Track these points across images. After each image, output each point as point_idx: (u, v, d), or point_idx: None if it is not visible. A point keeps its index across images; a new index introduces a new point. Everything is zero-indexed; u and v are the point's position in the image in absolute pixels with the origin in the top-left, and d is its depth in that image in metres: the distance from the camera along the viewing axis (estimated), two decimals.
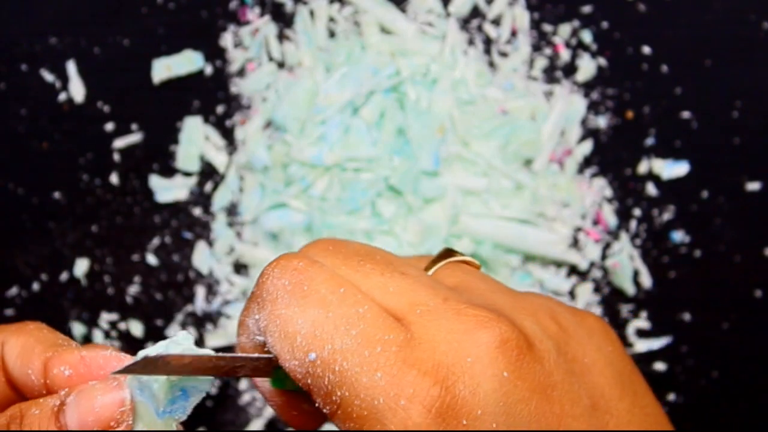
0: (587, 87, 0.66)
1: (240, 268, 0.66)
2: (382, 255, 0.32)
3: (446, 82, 0.64)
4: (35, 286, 0.66)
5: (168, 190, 0.66)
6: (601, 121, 0.65)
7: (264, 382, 0.32)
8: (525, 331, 0.28)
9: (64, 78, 0.67)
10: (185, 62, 0.66)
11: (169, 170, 0.66)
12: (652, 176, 0.65)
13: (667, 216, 0.65)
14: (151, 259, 0.66)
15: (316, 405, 0.28)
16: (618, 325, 0.65)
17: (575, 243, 0.65)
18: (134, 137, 0.66)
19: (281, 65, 0.67)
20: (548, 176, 0.64)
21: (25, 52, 0.67)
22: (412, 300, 0.29)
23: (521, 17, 0.66)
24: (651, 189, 0.65)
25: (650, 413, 0.31)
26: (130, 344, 0.66)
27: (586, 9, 0.66)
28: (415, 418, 0.26)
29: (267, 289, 0.29)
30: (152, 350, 0.30)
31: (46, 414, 0.29)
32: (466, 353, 0.27)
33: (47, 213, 0.66)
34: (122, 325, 0.66)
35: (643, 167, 0.65)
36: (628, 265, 0.64)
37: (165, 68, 0.66)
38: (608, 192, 0.65)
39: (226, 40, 0.67)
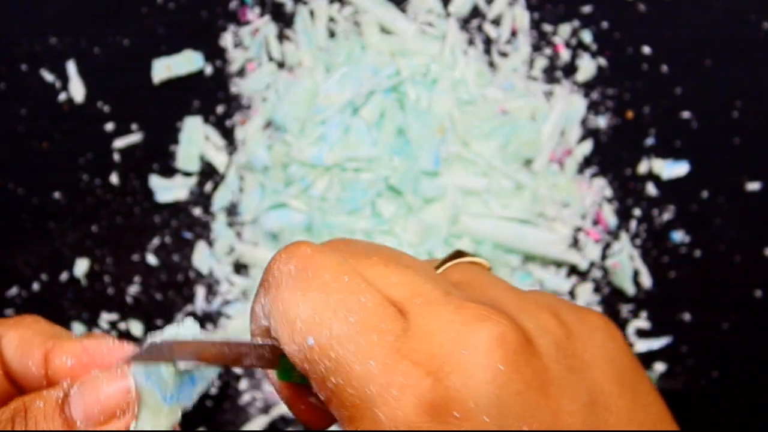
0: (587, 87, 0.66)
1: (240, 268, 0.66)
2: (390, 251, 0.32)
3: (446, 82, 0.64)
4: (35, 286, 0.66)
5: (168, 190, 0.66)
6: (601, 121, 0.65)
7: (273, 374, 0.32)
8: (524, 327, 0.28)
9: (64, 78, 0.67)
10: (185, 62, 0.66)
11: (169, 170, 0.66)
12: (652, 176, 0.65)
13: (667, 216, 0.65)
14: (151, 259, 0.66)
15: (313, 392, 0.28)
16: (618, 325, 0.65)
17: (575, 243, 0.65)
18: (134, 137, 0.66)
19: (281, 65, 0.67)
20: (548, 176, 0.64)
21: (25, 52, 0.67)
22: (414, 291, 0.29)
23: (521, 17, 0.66)
24: (651, 189, 0.65)
25: (652, 412, 0.30)
26: None
27: (586, 9, 0.66)
28: (405, 407, 0.26)
29: (273, 274, 0.29)
30: (159, 337, 0.30)
31: (50, 406, 0.29)
32: (461, 345, 0.27)
33: (47, 213, 0.66)
34: (122, 325, 0.66)
35: (643, 167, 0.65)
36: (628, 265, 0.64)
37: (165, 68, 0.66)
38: (608, 192, 0.65)
39: (226, 40, 0.67)
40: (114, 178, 0.66)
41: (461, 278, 0.32)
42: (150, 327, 0.66)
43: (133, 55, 0.67)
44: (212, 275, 0.66)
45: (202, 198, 0.66)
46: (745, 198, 0.64)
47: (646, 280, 0.64)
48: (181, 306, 0.66)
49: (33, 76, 0.67)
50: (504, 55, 0.66)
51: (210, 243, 0.66)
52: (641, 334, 0.64)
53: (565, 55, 0.66)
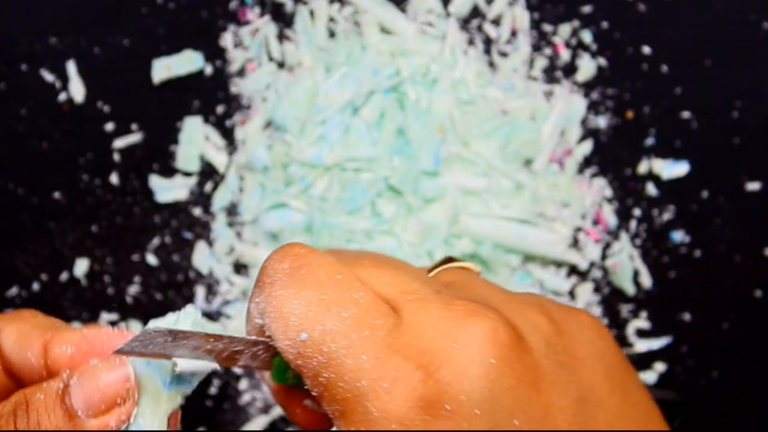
0: (587, 87, 0.66)
1: (240, 268, 0.66)
2: (381, 255, 0.32)
3: (446, 82, 0.64)
4: (35, 286, 0.66)
5: (168, 190, 0.66)
6: (601, 121, 0.65)
7: (269, 377, 0.33)
8: (514, 323, 0.28)
9: (64, 78, 0.67)
10: (185, 62, 0.66)
11: (169, 170, 0.66)
12: (652, 176, 0.65)
13: (667, 216, 0.65)
14: (151, 259, 0.66)
15: (306, 387, 0.28)
16: (618, 325, 0.65)
17: (575, 243, 0.65)
18: (134, 137, 0.66)
19: (281, 65, 0.67)
20: (548, 176, 0.64)
21: (25, 52, 0.67)
22: (405, 289, 0.29)
23: (521, 17, 0.66)
24: (651, 189, 0.65)
25: (641, 410, 0.30)
26: None
27: (586, 9, 0.66)
28: (396, 401, 0.26)
29: (268, 273, 0.30)
30: (161, 322, 0.30)
31: (51, 398, 0.29)
32: (452, 340, 0.27)
33: (47, 213, 0.66)
34: (122, 325, 0.66)
35: (643, 167, 0.65)
36: (628, 265, 0.64)
37: (165, 68, 0.66)
38: (608, 192, 0.65)
39: (226, 40, 0.67)
40: (114, 178, 0.66)
41: (452, 280, 0.33)
42: None
43: (133, 55, 0.67)
44: (212, 275, 0.66)
45: (202, 198, 0.66)
46: (745, 198, 0.64)
47: (646, 280, 0.64)
48: (181, 306, 0.66)
49: (33, 76, 0.67)
50: (504, 55, 0.66)
51: (210, 243, 0.66)
52: (641, 334, 0.64)
53: (565, 55, 0.66)
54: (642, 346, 0.64)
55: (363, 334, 0.27)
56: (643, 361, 0.64)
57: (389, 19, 0.65)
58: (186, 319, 0.30)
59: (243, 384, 0.66)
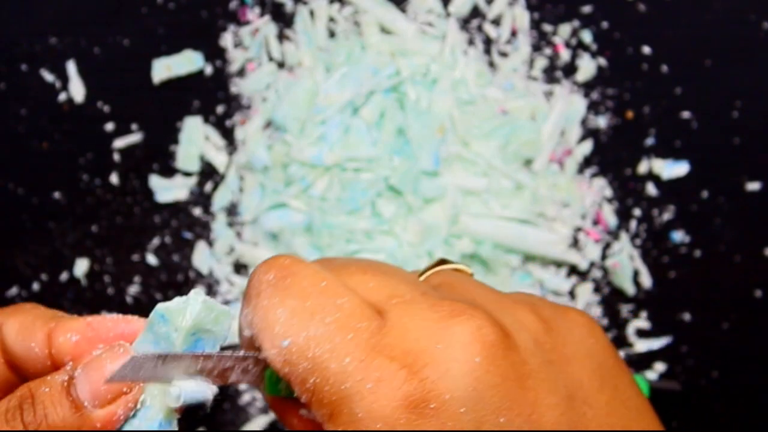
0: (587, 87, 0.66)
1: (240, 268, 0.66)
2: (370, 261, 0.32)
3: (446, 82, 0.64)
4: (35, 286, 0.66)
5: (168, 190, 0.66)
6: (601, 121, 0.65)
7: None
8: (501, 322, 0.28)
9: (64, 78, 0.67)
10: (185, 62, 0.66)
11: (169, 170, 0.66)
12: (652, 176, 0.65)
13: (667, 216, 0.65)
14: (151, 259, 0.66)
15: (295, 395, 0.29)
16: (618, 325, 0.65)
17: (575, 243, 0.65)
18: (134, 137, 0.66)
19: (281, 65, 0.67)
20: (548, 176, 0.64)
21: (25, 52, 0.67)
22: (391, 293, 0.29)
23: (521, 17, 0.66)
24: (651, 189, 0.65)
25: (632, 407, 0.30)
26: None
27: (586, 9, 0.66)
28: (381, 401, 0.26)
29: (254, 285, 0.30)
30: (169, 305, 0.30)
31: (56, 390, 0.30)
32: (436, 340, 0.27)
33: (47, 213, 0.66)
34: None
35: (643, 167, 0.65)
36: (628, 265, 0.64)
37: (165, 68, 0.66)
38: (608, 192, 0.65)
39: (226, 40, 0.67)
40: (114, 178, 0.66)
41: (442, 282, 0.33)
42: None
43: (133, 55, 0.67)
44: (212, 275, 0.66)
45: (202, 198, 0.66)
46: (745, 198, 0.64)
47: (646, 280, 0.64)
48: None
49: (33, 76, 0.67)
50: (504, 55, 0.66)
51: (210, 243, 0.66)
52: (641, 334, 0.64)
53: (565, 55, 0.66)
54: (642, 346, 0.64)
55: (346, 337, 0.28)
56: (643, 361, 0.64)
57: (389, 19, 0.65)
58: (195, 302, 0.30)
59: (243, 384, 0.66)
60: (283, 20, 0.67)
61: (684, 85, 0.65)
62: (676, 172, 0.65)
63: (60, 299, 0.66)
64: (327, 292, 0.29)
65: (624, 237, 0.65)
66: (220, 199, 0.66)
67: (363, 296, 0.29)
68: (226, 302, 0.66)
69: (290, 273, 0.29)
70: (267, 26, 0.67)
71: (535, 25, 0.66)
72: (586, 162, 0.65)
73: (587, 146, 0.65)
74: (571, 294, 0.65)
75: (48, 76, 0.67)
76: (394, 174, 0.62)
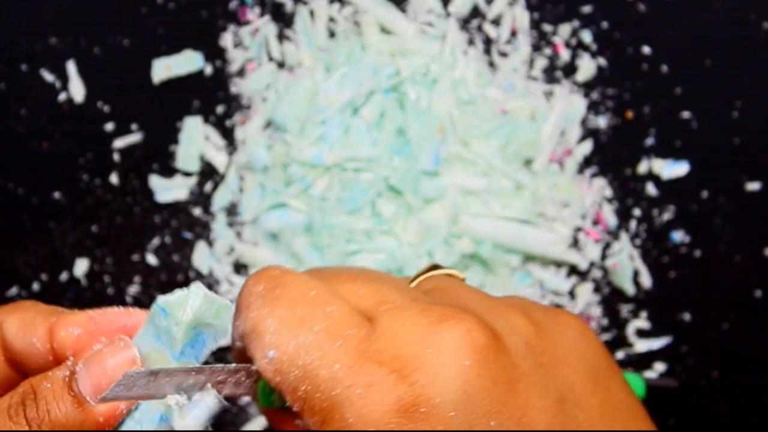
0: (587, 87, 0.66)
1: (240, 268, 0.66)
2: (360, 269, 0.32)
3: (446, 82, 0.64)
4: (35, 286, 0.66)
5: (168, 190, 0.66)
6: (601, 121, 0.65)
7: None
8: (492, 325, 0.28)
9: (64, 78, 0.67)
10: (185, 62, 0.66)
11: (169, 170, 0.66)
12: (652, 176, 0.65)
13: (667, 216, 0.65)
14: (151, 259, 0.66)
15: (287, 405, 0.29)
16: (618, 325, 0.65)
17: (575, 243, 0.65)
18: (134, 137, 0.67)
19: (281, 65, 0.67)
20: (548, 176, 0.64)
21: (25, 52, 0.67)
22: (380, 300, 0.29)
23: (521, 17, 0.66)
24: (651, 189, 0.65)
25: (624, 409, 0.30)
26: None
27: (586, 9, 0.66)
28: (371, 405, 0.26)
29: (244, 297, 0.30)
30: (170, 299, 0.30)
31: (58, 385, 0.30)
32: (426, 345, 0.27)
33: (47, 213, 0.66)
34: None
35: (643, 167, 0.65)
36: (628, 265, 0.64)
37: (165, 68, 0.66)
38: (608, 192, 0.65)
39: (226, 40, 0.67)
40: (114, 178, 0.66)
41: (434, 287, 0.33)
42: None
43: (133, 55, 0.67)
44: (212, 275, 0.66)
45: (202, 198, 0.66)
46: (745, 198, 0.64)
47: (646, 280, 0.64)
48: None
49: (33, 76, 0.67)
50: (504, 55, 0.66)
51: (210, 243, 0.66)
52: (641, 334, 0.64)
53: (565, 55, 0.66)
54: (642, 346, 0.64)
55: (335, 344, 0.28)
56: (643, 361, 0.64)
57: (389, 19, 0.66)
58: (196, 296, 0.30)
59: (237, 397, 0.66)
60: (283, 20, 0.67)
61: (684, 85, 0.65)
62: (676, 172, 0.65)
63: (60, 299, 0.66)
64: (316, 300, 0.29)
65: (624, 237, 0.65)
66: (220, 199, 0.66)
67: (353, 304, 0.29)
68: None
69: (280, 284, 0.29)
70: (267, 26, 0.67)
71: (535, 25, 0.66)
72: (586, 162, 0.65)
73: (587, 146, 0.65)
74: (571, 294, 0.65)
75: (48, 76, 0.67)
76: (394, 174, 0.62)
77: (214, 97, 0.67)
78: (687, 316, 0.64)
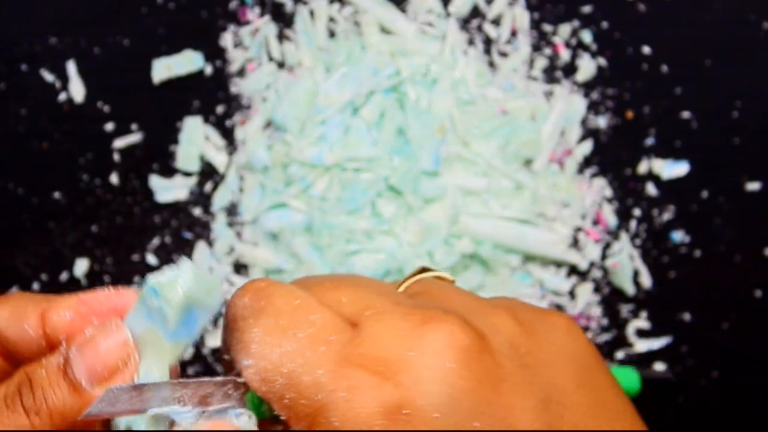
0: (587, 87, 0.66)
1: (240, 268, 0.66)
2: (345, 276, 0.33)
3: (446, 82, 0.64)
4: (35, 286, 0.66)
5: (168, 190, 0.66)
6: (601, 121, 0.65)
7: None
8: (476, 327, 0.28)
9: (64, 78, 0.67)
10: (185, 62, 0.66)
11: (169, 170, 0.66)
12: (652, 176, 0.65)
13: (667, 216, 0.65)
14: (151, 259, 0.66)
15: (275, 413, 0.29)
16: (618, 325, 0.65)
17: (575, 243, 0.65)
18: (134, 137, 0.67)
19: (281, 65, 0.67)
20: (548, 176, 0.64)
21: (25, 52, 0.67)
22: (364, 305, 0.30)
23: (521, 17, 0.66)
24: (651, 189, 0.65)
25: (611, 409, 0.30)
26: None
27: (586, 9, 0.66)
28: (354, 408, 0.27)
29: (231, 310, 0.30)
30: (161, 279, 0.30)
31: (53, 372, 0.30)
32: (409, 348, 0.27)
33: (47, 213, 0.66)
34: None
35: (643, 167, 0.65)
36: (628, 265, 0.64)
37: (165, 68, 0.66)
38: (608, 192, 0.65)
39: (226, 40, 0.67)
40: (114, 178, 0.66)
41: (421, 290, 0.33)
42: None
43: (133, 55, 0.67)
44: (212, 275, 0.66)
45: (202, 198, 0.66)
46: (745, 198, 0.64)
47: (646, 280, 0.64)
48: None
49: (33, 76, 0.67)
50: (504, 55, 0.66)
51: (210, 243, 0.66)
52: (641, 334, 0.64)
53: (565, 55, 0.66)
54: (642, 346, 0.64)
55: (319, 350, 0.28)
56: (643, 361, 0.64)
57: (389, 19, 0.66)
58: (186, 274, 0.30)
59: None
60: (283, 20, 0.67)
61: (684, 85, 0.65)
62: (676, 172, 0.65)
63: None
64: (300, 309, 0.29)
65: (624, 237, 0.65)
66: (220, 199, 0.66)
67: (337, 311, 0.29)
68: (226, 302, 0.66)
69: (265, 295, 0.30)
70: (267, 26, 0.67)
71: (535, 25, 0.66)
72: (586, 162, 0.65)
73: (587, 146, 0.65)
74: (571, 294, 0.65)
75: (48, 76, 0.67)
76: (394, 174, 0.62)
77: (214, 97, 0.67)
78: (687, 316, 0.64)
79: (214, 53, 0.67)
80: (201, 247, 0.66)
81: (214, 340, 0.65)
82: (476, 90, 0.65)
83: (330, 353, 0.28)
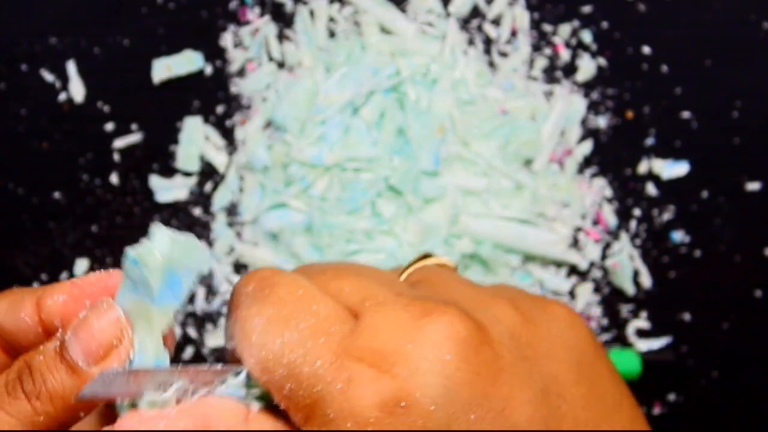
0: (587, 87, 0.66)
1: (240, 268, 0.66)
2: (347, 265, 0.33)
3: (446, 82, 0.64)
4: (35, 287, 0.66)
5: (168, 190, 0.66)
6: (601, 121, 0.65)
7: None
8: (476, 318, 0.28)
9: (64, 78, 0.67)
10: (185, 62, 0.66)
11: (169, 170, 0.66)
12: (652, 176, 0.65)
13: (667, 216, 0.65)
14: None
15: (275, 404, 0.29)
16: (618, 325, 0.65)
17: (575, 243, 0.65)
18: (134, 137, 0.67)
19: (281, 65, 0.67)
20: (548, 176, 0.64)
21: (25, 52, 0.67)
22: (365, 295, 0.30)
23: (521, 17, 0.66)
24: (651, 189, 0.65)
25: (609, 401, 0.30)
26: None
27: (586, 9, 0.66)
28: (352, 400, 0.27)
29: (234, 298, 0.31)
30: (138, 248, 0.30)
31: (50, 356, 0.30)
32: (407, 340, 0.28)
33: (47, 213, 0.66)
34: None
35: (643, 167, 0.65)
36: (628, 265, 0.64)
37: (165, 68, 0.66)
38: (608, 192, 0.65)
39: (226, 40, 0.67)
40: (114, 178, 0.66)
41: (422, 278, 0.33)
42: None
43: (133, 55, 0.67)
44: (212, 275, 0.66)
45: (202, 198, 0.66)
46: (745, 198, 0.64)
47: (646, 280, 0.64)
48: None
49: (33, 76, 0.67)
50: (504, 55, 0.66)
51: (210, 243, 0.66)
52: (641, 334, 0.64)
53: (565, 55, 0.66)
54: (642, 346, 0.64)
55: (319, 341, 0.28)
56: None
57: (389, 19, 0.66)
58: (161, 239, 0.30)
59: None
60: (283, 20, 0.67)
61: (684, 85, 0.65)
62: (676, 172, 0.65)
63: None
64: (303, 299, 0.29)
65: (624, 237, 0.65)
66: (220, 199, 0.66)
67: (340, 301, 0.29)
68: (226, 302, 0.66)
69: (269, 284, 0.30)
70: (267, 26, 0.67)
71: (535, 25, 0.66)
72: (586, 162, 0.65)
73: (587, 146, 0.65)
74: (571, 294, 0.65)
75: (48, 76, 0.67)
76: (394, 174, 0.62)
77: (214, 97, 0.67)
78: (687, 316, 0.64)
79: (214, 53, 0.67)
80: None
81: (214, 340, 0.65)
82: (476, 90, 0.65)
83: (330, 344, 0.28)
